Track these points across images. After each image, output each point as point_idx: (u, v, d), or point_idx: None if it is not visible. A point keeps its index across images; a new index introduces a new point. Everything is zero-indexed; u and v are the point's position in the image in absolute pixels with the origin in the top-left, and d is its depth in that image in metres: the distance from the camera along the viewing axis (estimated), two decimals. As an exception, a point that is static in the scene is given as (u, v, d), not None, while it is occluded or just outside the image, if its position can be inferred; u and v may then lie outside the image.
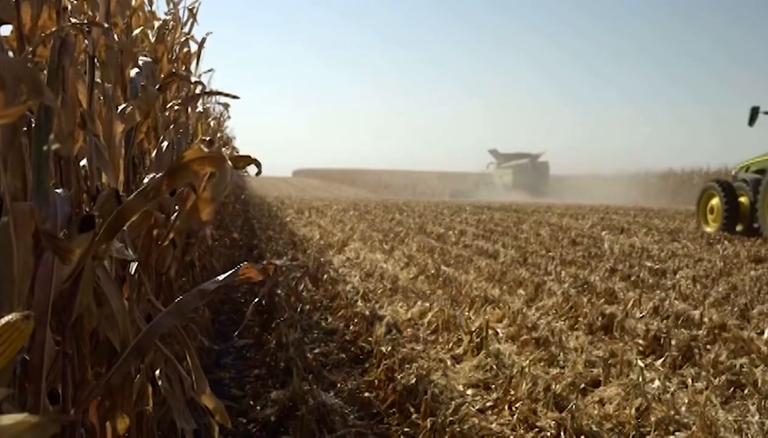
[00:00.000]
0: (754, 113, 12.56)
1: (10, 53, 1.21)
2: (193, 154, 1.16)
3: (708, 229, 12.71)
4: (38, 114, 1.12)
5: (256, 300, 1.54)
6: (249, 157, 1.37)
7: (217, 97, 5.52)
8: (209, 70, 4.42)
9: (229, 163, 1.19)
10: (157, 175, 1.16)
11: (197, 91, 3.07)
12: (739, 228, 12.14)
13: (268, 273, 1.38)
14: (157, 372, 1.64)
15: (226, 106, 7.31)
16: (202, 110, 4.94)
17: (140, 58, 1.96)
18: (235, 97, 3.27)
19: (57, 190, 1.22)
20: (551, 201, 28.03)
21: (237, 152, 11.85)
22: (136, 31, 2.39)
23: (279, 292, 5.20)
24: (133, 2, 2.43)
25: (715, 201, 12.70)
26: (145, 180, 1.88)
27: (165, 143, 1.92)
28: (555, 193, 35.28)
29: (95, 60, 1.44)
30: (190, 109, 3.60)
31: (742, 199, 12.15)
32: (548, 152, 42.67)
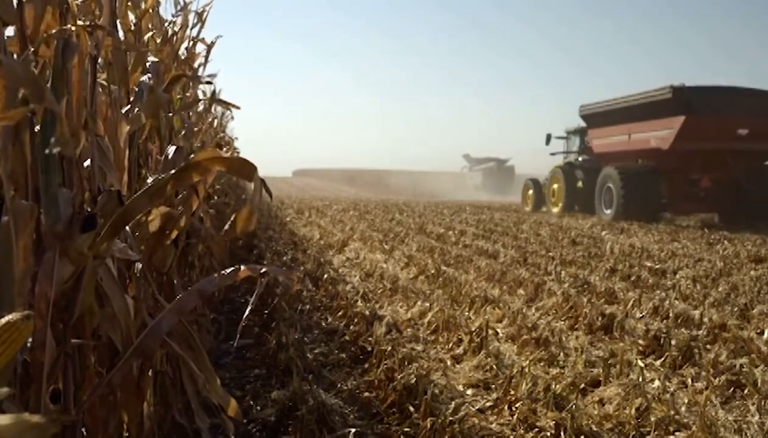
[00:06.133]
0: (548, 138, 20.50)
1: (15, 56, 1.21)
2: (208, 155, 1.15)
3: (527, 209, 20.55)
4: (44, 116, 1.12)
5: (249, 307, 1.56)
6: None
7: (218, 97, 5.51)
8: (212, 75, 4.41)
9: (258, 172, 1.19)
10: (163, 176, 1.16)
11: (204, 93, 3.07)
12: (544, 209, 19.67)
13: (261, 277, 1.42)
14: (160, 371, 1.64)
15: (227, 107, 7.31)
16: (202, 109, 4.94)
17: (147, 58, 1.96)
18: (236, 107, 3.28)
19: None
20: (514, 199, 29.54)
21: (238, 153, 11.84)
22: (148, 35, 2.39)
23: (279, 292, 5.20)
24: (143, 5, 2.43)
25: (530, 192, 20.78)
26: (148, 181, 1.88)
27: (173, 147, 1.92)
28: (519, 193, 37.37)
29: (99, 60, 1.45)
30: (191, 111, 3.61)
31: (545, 191, 19.75)
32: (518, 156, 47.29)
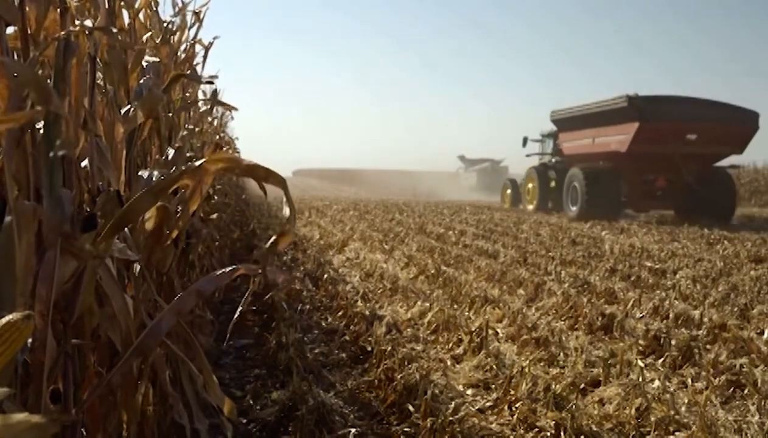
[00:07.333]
0: (525, 141, 22.08)
1: (15, 56, 1.21)
2: (221, 158, 1.15)
3: (505, 206, 22.44)
4: (46, 117, 1.12)
5: (240, 307, 1.58)
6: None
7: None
8: (213, 77, 4.38)
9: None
10: (165, 175, 1.16)
11: (204, 93, 3.08)
12: (521, 206, 21.27)
13: (255, 277, 1.43)
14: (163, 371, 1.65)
15: (227, 109, 7.30)
16: (203, 110, 4.93)
17: (145, 58, 1.96)
18: (234, 108, 3.32)
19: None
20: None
21: (238, 154, 11.83)
22: (147, 35, 2.39)
23: (279, 286, 5.21)
24: (137, 3, 2.43)
25: (508, 191, 22.84)
26: (141, 173, 1.88)
27: (175, 147, 1.92)
28: None
29: (97, 60, 1.45)
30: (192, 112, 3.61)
31: (521, 190, 21.44)
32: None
